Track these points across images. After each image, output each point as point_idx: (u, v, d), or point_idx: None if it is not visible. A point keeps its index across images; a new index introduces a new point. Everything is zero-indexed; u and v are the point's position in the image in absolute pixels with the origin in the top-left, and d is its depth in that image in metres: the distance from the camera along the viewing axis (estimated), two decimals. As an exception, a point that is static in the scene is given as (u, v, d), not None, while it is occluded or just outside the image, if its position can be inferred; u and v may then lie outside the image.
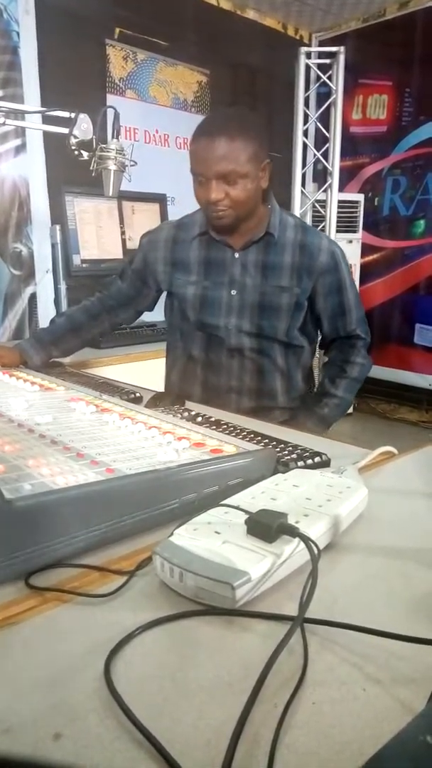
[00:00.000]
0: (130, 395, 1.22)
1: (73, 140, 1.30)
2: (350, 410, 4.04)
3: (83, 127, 1.30)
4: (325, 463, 0.84)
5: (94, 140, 1.32)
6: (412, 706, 0.41)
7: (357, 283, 3.92)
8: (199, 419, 1.01)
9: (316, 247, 1.37)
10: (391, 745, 0.34)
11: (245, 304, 1.39)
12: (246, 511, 0.60)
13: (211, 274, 1.41)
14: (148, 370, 1.82)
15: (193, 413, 1.05)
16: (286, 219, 1.41)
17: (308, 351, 1.48)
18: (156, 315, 1.74)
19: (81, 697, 0.42)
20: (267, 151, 1.30)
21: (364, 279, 4.00)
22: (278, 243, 1.37)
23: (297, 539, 0.56)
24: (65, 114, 1.31)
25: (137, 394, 1.24)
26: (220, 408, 1.32)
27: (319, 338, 1.52)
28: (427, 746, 0.31)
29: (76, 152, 1.32)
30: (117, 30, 3.05)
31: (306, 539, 0.55)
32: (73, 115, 1.30)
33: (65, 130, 1.30)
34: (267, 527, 0.56)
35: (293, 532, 0.56)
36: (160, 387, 1.61)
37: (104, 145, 1.33)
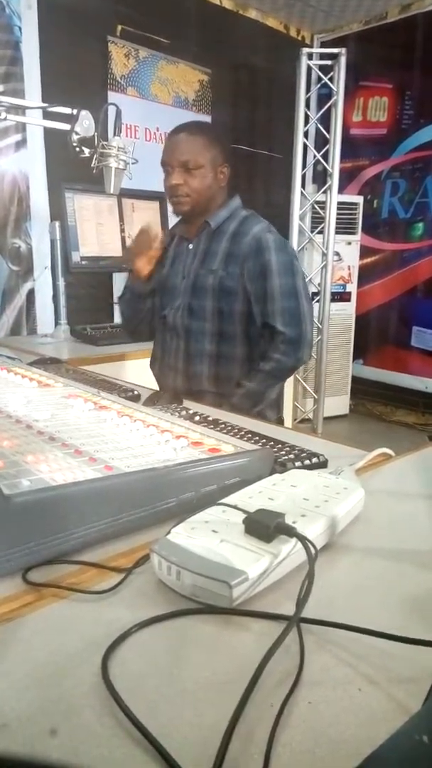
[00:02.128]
0: (128, 393, 1.22)
1: (74, 137, 1.30)
2: (347, 411, 4.05)
3: (85, 123, 1.30)
4: (322, 464, 0.85)
5: (95, 137, 1.32)
6: (407, 707, 0.41)
7: (354, 285, 3.93)
8: (197, 418, 1.01)
9: (245, 234, 1.47)
10: (386, 744, 0.34)
11: (186, 288, 1.52)
12: (244, 511, 0.60)
13: (174, 265, 1.58)
14: (146, 368, 1.81)
15: (191, 412, 1.05)
16: (237, 214, 1.52)
17: (246, 342, 1.51)
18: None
19: (77, 693, 0.42)
20: (225, 157, 1.51)
21: (362, 281, 4.01)
22: (220, 232, 1.50)
23: (294, 539, 0.56)
24: (66, 110, 1.30)
25: (135, 392, 1.24)
26: (165, 388, 1.49)
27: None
28: (423, 746, 0.31)
29: (77, 149, 1.32)
30: (119, 27, 3.05)
31: (303, 539, 0.55)
32: (74, 111, 1.30)
33: (67, 127, 1.30)
34: (265, 527, 0.56)
35: (291, 532, 0.56)
36: (156, 385, 1.62)
37: (106, 143, 1.33)
